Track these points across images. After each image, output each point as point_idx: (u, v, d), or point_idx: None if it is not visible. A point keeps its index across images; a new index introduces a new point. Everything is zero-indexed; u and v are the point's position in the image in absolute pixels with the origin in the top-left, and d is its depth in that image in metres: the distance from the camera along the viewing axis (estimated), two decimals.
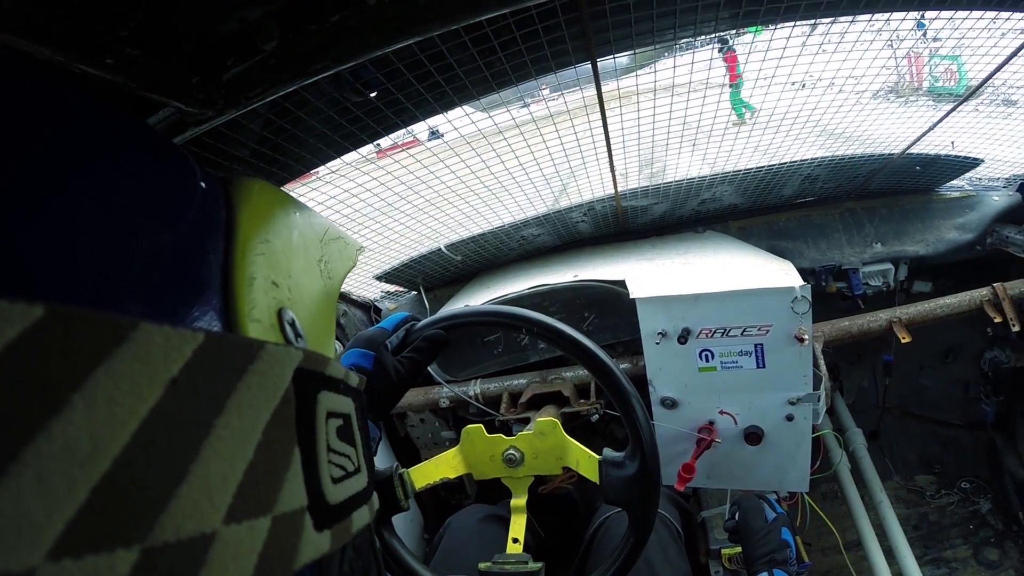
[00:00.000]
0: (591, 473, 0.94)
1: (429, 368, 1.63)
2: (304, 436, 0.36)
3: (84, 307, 0.22)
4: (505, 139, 1.26)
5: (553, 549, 1.38)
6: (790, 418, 1.28)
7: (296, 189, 1.24)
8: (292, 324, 0.47)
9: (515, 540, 1.02)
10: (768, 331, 1.23)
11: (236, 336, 0.40)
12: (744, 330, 1.24)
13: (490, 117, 1.21)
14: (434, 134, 1.19)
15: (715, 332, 1.26)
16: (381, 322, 0.91)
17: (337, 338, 1.63)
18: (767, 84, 1.20)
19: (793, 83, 1.28)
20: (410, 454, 1.91)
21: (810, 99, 1.30)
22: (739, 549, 1.31)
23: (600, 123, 1.29)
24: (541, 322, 0.89)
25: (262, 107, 0.83)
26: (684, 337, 1.27)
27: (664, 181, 1.59)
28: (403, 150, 1.27)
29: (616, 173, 1.48)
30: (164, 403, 0.25)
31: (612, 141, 1.36)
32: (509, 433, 1.46)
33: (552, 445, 1.00)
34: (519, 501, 1.04)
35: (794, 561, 1.01)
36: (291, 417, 0.35)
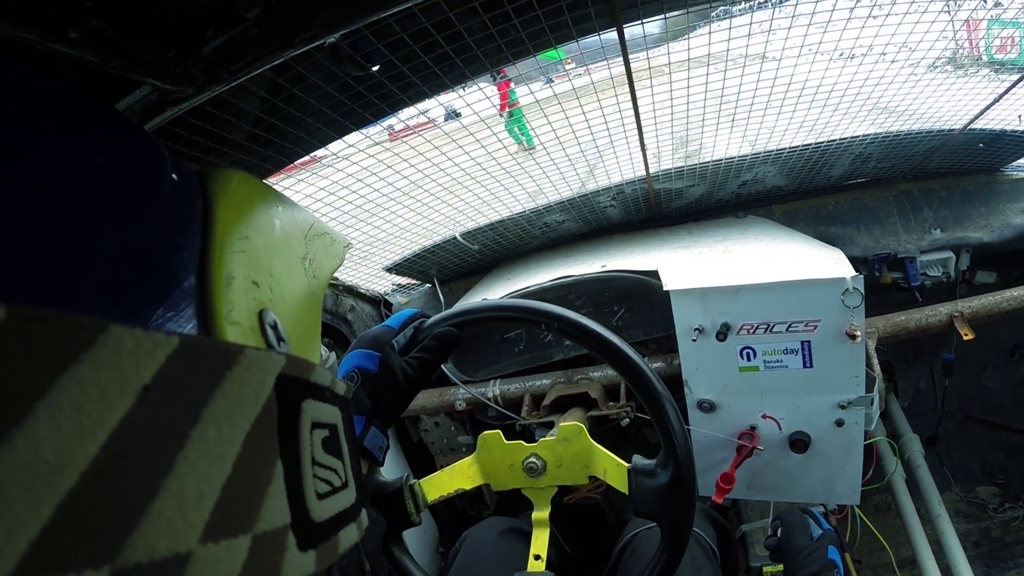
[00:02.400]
0: (620, 483, 0.93)
1: (444, 368, 1.63)
2: (287, 448, 0.36)
3: (47, 308, 0.22)
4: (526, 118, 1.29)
5: (580, 565, 1.41)
6: (840, 423, 1.27)
7: (300, 175, 1.27)
8: (274, 327, 0.47)
9: (537, 557, 1.01)
10: (816, 327, 1.22)
11: (213, 340, 0.40)
12: (790, 326, 1.23)
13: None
14: (451, 115, 1.22)
15: (757, 328, 1.25)
16: (387, 320, 0.91)
17: (343, 337, 1.66)
18: (812, 55, 1.21)
19: (840, 54, 1.29)
20: (424, 461, 1.92)
21: (859, 71, 1.31)
22: (781, 568, 1.33)
23: (629, 99, 1.31)
24: (563, 317, 0.88)
25: (255, 85, 0.83)
26: (723, 333, 1.26)
27: (701, 161, 1.58)
28: (417, 133, 1.29)
29: (647, 153, 1.47)
30: (135, 412, 0.25)
31: (643, 118, 1.35)
32: (531, 439, 1.48)
33: (577, 452, 0.99)
34: (541, 514, 1.03)
35: None
36: (273, 427, 0.35)
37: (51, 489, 0.21)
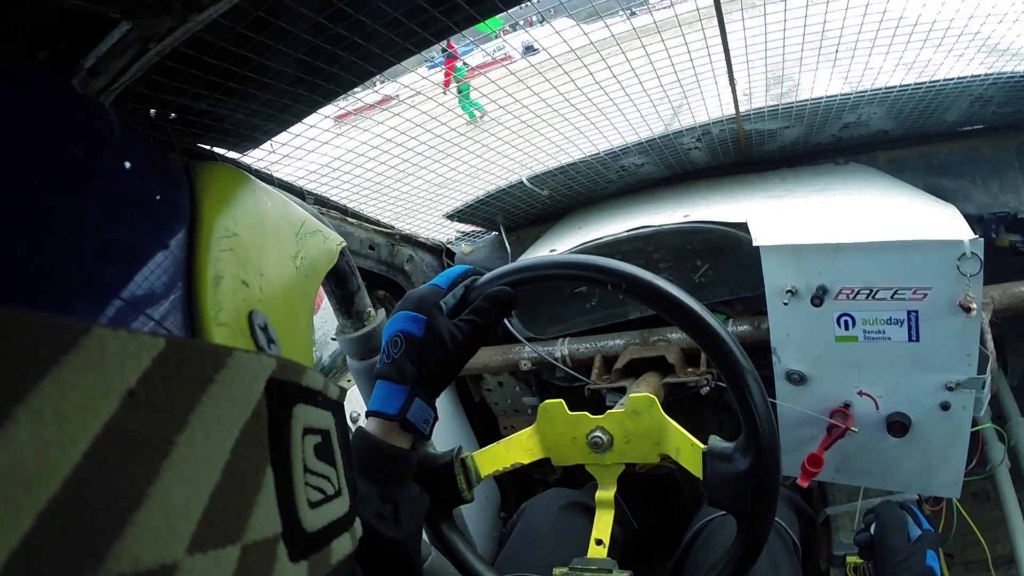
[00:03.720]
0: (693, 466, 0.89)
1: (508, 323, 1.60)
2: (278, 455, 0.37)
3: (27, 309, 0.22)
4: (601, 55, 1.22)
5: (647, 546, 1.39)
6: (945, 406, 1.19)
7: (356, 121, 1.25)
8: (264, 328, 0.47)
9: (598, 542, 0.98)
10: (926, 295, 1.14)
11: (201, 342, 0.40)
12: (895, 292, 1.16)
13: (585, 34, 1.18)
14: (528, 49, 1.17)
15: (858, 293, 1.17)
16: (435, 278, 0.87)
17: (399, 289, 1.64)
18: None
19: None
20: (486, 422, 1.92)
21: (980, 6, 1.21)
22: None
23: (717, 31, 1.23)
24: (633, 276, 0.82)
25: (307, 7, 0.79)
26: (820, 297, 1.19)
27: (798, 99, 1.48)
28: (484, 72, 1.25)
29: (737, 90, 1.38)
30: (120, 418, 0.25)
31: (732, 53, 1.27)
32: (602, 404, 1.43)
33: (648, 427, 0.95)
34: (606, 494, 1.00)
35: None
36: (263, 433, 0.35)
37: (32, 498, 0.21)
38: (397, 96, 1.16)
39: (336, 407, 0.48)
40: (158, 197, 0.43)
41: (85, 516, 0.23)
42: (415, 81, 1.15)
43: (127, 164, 0.42)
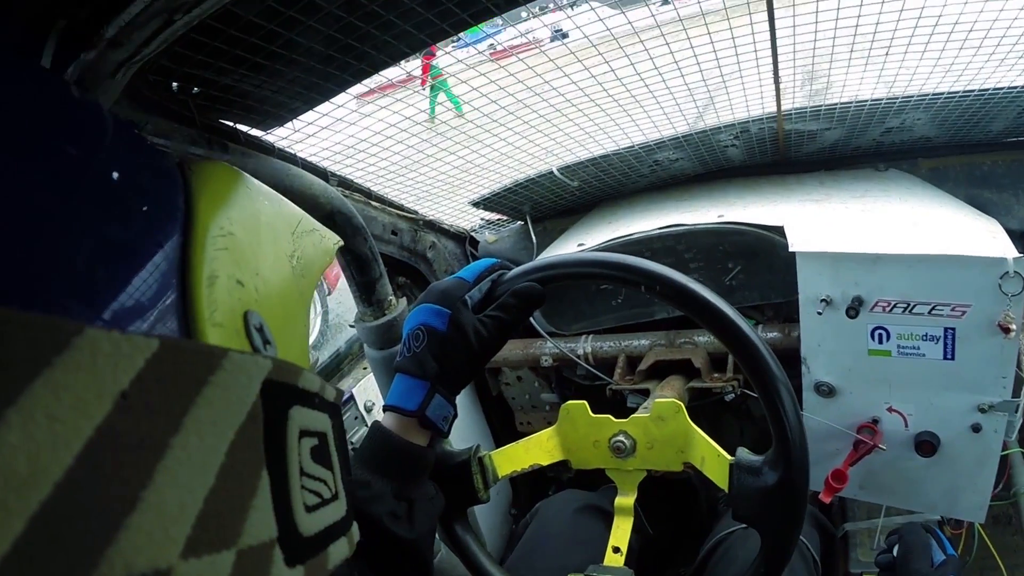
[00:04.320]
0: (719, 477, 0.88)
1: (531, 318, 1.57)
2: (274, 458, 0.37)
3: (19, 310, 0.22)
4: (641, 41, 1.20)
5: (664, 554, 1.39)
6: (976, 429, 1.18)
7: (380, 101, 1.24)
8: (260, 329, 0.47)
9: (616, 550, 0.98)
10: (964, 313, 1.12)
11: (195, 343, 0.41)
12: (933, 308, 1.14)
13: (623, 13, 1.15)
14: (558, 32, 1.16)
15: (895, 307, 1.16)
16: (461, 271, 0.86)
17: (421, 278, 1.63)
18: None
19: None
20: (502, 417, 1.91)
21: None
22: None
23: (766, 22, 1.21)
24: (667, 279, 0.80)
25: None
26: (855, 308, 1.18)
27: (841, 100, 1.46)
28: (515, 55, 1.23)
29: (781, 87, 1.36)
30: (113, 420, 0.25)
31: (779, 46, 1.25)
32: (623, 405, 1.41)
33: (673, 434, 0.94)
34: (626, 500, 0.99)
35: None
36: (259, 436, 0.36)
37: (23, 501, 0.21)
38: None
39: (333, 409, 0.48)
40: (152, 195, 0.43)
41: (78, 520, 0.23)
42: (449, 64, 1.13)
43: (121, 162, 0.41)
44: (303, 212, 0.63)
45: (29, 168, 0.34)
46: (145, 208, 0.41)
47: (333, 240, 0.68)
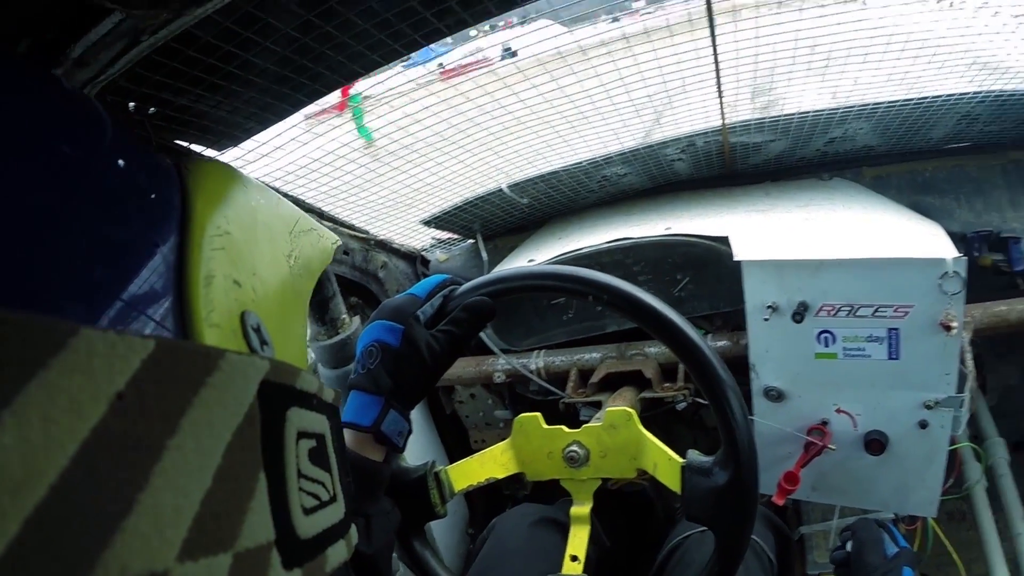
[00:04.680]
0: (671, 480, 0.89)
1: (483, 335, 1.60)
2: (271, 460, 0.36)
3: (12, 309, 0.22)
4: (589, 59, 1.22)
5: (620, 564, 1.39)
6: (923, 425, 1.21)
7: (330, 119, 1.25)
8: (257, 329, 0.47)
9: (574, 558, 0.98)
10: (907, 313, 1.15)
11: (192, 344, 0.40)
12: (876, 310, 1.17)
13: (571, 32, 1.18)
14: (507, 52, 1.18)
15: (840, 310, 1.19)
16: (413, 287, 0.86)
17: (373, 297, 1.63)
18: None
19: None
20: (456, 435, 1.90)
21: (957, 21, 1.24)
22: None
23: (708, 39, 1.25)
24: (615, 288, 0.82)
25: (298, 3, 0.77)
26: (800, 314, 1.20)
27: (784, 113, 1.50)
28: (464, 74, 1.25)
29: (725, 100, 1.40)
30: (108, 422, 0.25)
31: (721, 62, 1.28)
32: (576, 418, 1.42)
33: (625, 441, 0.95)
34: (581, 510, 1.00)
35: None
36: (256, 438, 0.35)
37: (18, 504, 0.21)
38: (371, 95, 1.15)
39: (331, 410, 0.48)
40: (148, 195, 0.42)
41: (73, 523, 0.23)
42: (397, 82, 1.15)
43: (118, 161, 0.41)
44: (301, 211, 0.62)
45: (26, 168, 0.34)
46: (141, 207, 0.41)
47: (332, 239, 0.67)
